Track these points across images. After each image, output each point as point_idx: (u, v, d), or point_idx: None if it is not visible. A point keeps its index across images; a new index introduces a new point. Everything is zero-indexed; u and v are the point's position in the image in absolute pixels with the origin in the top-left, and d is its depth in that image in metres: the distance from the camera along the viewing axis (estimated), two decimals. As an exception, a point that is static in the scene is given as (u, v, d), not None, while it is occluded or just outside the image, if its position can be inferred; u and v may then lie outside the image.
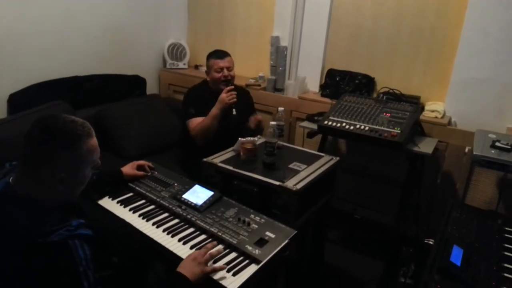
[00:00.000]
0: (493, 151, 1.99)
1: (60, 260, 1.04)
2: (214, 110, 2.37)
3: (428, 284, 1.27)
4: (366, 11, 2.86)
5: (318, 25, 3.01)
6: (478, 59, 2.48)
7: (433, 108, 2.62)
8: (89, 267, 1.07)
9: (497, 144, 2.03)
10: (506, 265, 1.44)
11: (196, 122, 2.43)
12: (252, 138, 2.06)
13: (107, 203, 1.73)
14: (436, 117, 2.58)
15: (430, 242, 1.61)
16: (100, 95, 2.96)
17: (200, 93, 2.55)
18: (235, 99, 2.39)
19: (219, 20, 3.56)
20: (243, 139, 2.03)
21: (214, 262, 1.36)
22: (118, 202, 1.73)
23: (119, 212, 1.67)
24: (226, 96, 2.37)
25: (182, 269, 1.28)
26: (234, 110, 2.40)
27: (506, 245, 1.56)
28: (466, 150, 2.44)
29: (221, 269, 1.33)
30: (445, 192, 2.61)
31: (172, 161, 2.65)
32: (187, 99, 2.57)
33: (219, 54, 2.52)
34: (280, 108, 2.29)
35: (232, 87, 2.43)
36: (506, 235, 1.64)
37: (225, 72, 2.48)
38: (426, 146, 2.31)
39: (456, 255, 1.41)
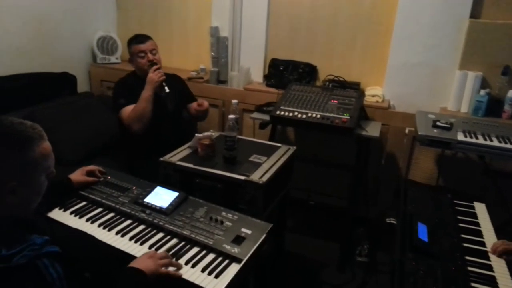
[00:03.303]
0: (435, 131, 2.14)
1: (31, 285, 0.91)
2: (145, 92, 2.27)
3: (405, 262, 1.33)
4: (304, 1, 2.89)
5: (257, 15, 2.99)
6: (411, 44, 2.64)
7: (373, 93, 2.75)
8: (64, 286, 0.96)
9: (438, 123, 2.18)
10: (463, 235, 1.56)
11: (128, 110, 2.31)
12: (208, 133, 2.00)
13: (58, 215, 1.56)
14: (377, 101, 2.71)
15: (392, 222, 1.68)
16: (26, 97, 2.65)
17: (128, 83, 2.45)
18: (164, 76, 2.32)
19: (152, 10, 3.37)
20: (200, 135, 1.96)
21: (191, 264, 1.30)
22: (71, 213, 1.58)
23: (74, 224, 1.51)
24: (154, 74, 2.28)
25: (136, 264, 1.22)
26: (166, 88, 2.32)
27: (460, 217, 1.69)
28: (407, 131, 2.60)
29: (175, 275, 1.26)
30: (389, 171, 2.76)
31: (118, 163, 2.47)
32: (115, 92, 2.46)
33: (140, 38, 2.42)
34: (234, 101, 2.24)
35: (158, 65, 2.35)
36: (457, 207, 1.78)
37: (149, 56, 2.38)
38: (372, 130, 2.42)
39: (422, 232, 1.50)
